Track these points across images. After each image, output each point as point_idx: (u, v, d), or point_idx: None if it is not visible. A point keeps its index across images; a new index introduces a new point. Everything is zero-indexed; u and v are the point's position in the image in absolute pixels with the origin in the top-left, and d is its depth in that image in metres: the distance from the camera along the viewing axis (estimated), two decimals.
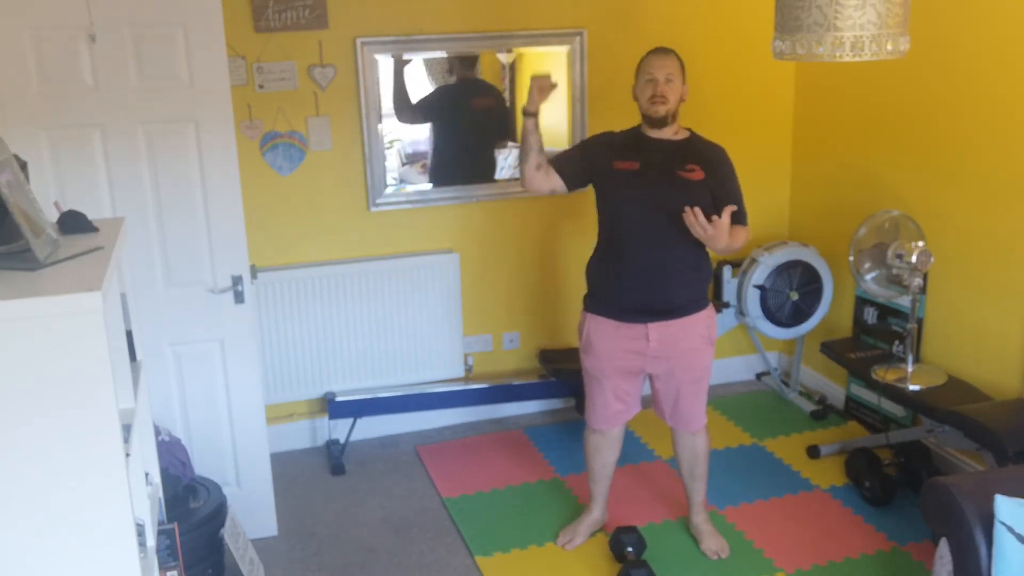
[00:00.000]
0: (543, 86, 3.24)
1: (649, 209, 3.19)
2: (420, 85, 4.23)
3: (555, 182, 3.31)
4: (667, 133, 3.25)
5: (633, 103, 3.30)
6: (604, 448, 3.51)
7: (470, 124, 4.44)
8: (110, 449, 1.76)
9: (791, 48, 2.64)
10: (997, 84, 3.53)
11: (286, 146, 4.08)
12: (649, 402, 3.52)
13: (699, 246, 3.22)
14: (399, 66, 4.14)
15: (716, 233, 3.04)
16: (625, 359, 3.32)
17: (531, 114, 3.25)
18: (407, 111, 4.22)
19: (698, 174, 3.19)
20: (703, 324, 3.30)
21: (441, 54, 4.19)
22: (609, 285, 3.30)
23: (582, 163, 3.34)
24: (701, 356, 3.33)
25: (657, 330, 3.25)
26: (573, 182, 3.34)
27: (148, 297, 3.27)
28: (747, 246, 4.63)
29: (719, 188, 3.22)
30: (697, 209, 3.04)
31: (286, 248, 4.20)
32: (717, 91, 4.57)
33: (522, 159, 3.30)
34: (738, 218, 3.21)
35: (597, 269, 3.36)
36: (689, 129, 3.32)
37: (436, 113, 4.32)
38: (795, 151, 4.78)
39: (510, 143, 4.42)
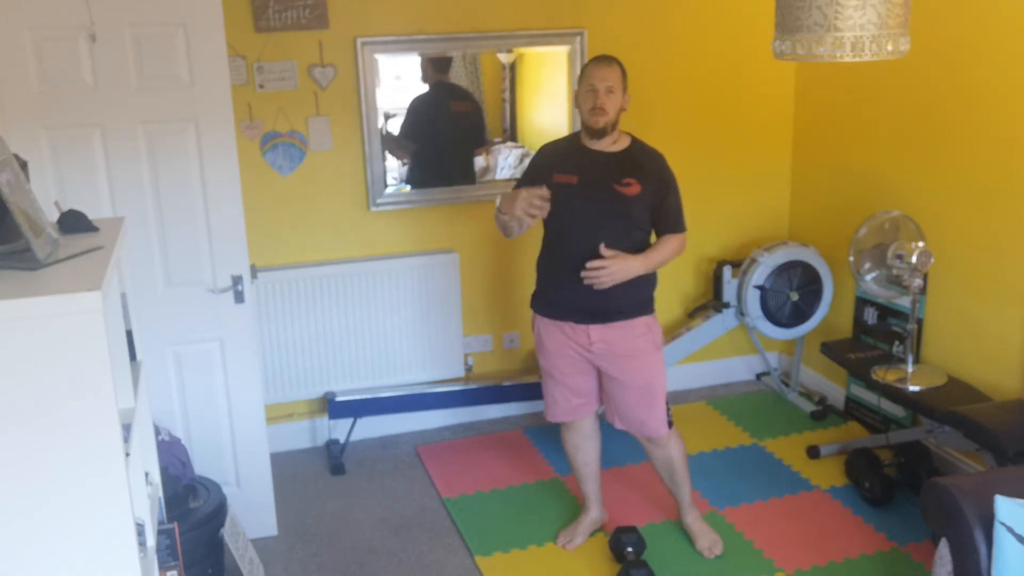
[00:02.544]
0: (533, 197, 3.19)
1: (587, 221, 3.20)
2: (414, 85, 4.23)
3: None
4: (606, 144, 3.23)
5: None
6: (582, 445, 3.52)
7: (451, 127, 4.39)
8: (110, 449, 1.76)
9: (791, 48, 2.64)
10: (997, 84, 3.53)
11: (286, 146, 4.08)
12: None
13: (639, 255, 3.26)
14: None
15: (612, 268, 3.12)
16: (573, 356, 3.34)
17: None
18: (394, 145, 4.25)
19: (634, 188, 3.19)
20: (642, 328, 3.29)
21: (438, 54, 4.19)
22: (551, 288, 3.35)
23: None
24: (646, 361, 3.31)
25: (598, 332, 3.27)
26: None
27: (148, 297, 3.27)
28: (747, 246, 4.68)
29: (656, 199, 3.24)
30: (594, 262, 3.13)
31: (286, 248, 4.20)
32: (717, 92, 4.57)
33: (504, 231, 3.36)
34: (674, 225, 3.28)
35: (541, 271, 3.41)
36: (630, 135, 3.30)
37: (420, 120, 4.28)
38: (795, 151, 4.78)
39: (510, 142, 4.42)
